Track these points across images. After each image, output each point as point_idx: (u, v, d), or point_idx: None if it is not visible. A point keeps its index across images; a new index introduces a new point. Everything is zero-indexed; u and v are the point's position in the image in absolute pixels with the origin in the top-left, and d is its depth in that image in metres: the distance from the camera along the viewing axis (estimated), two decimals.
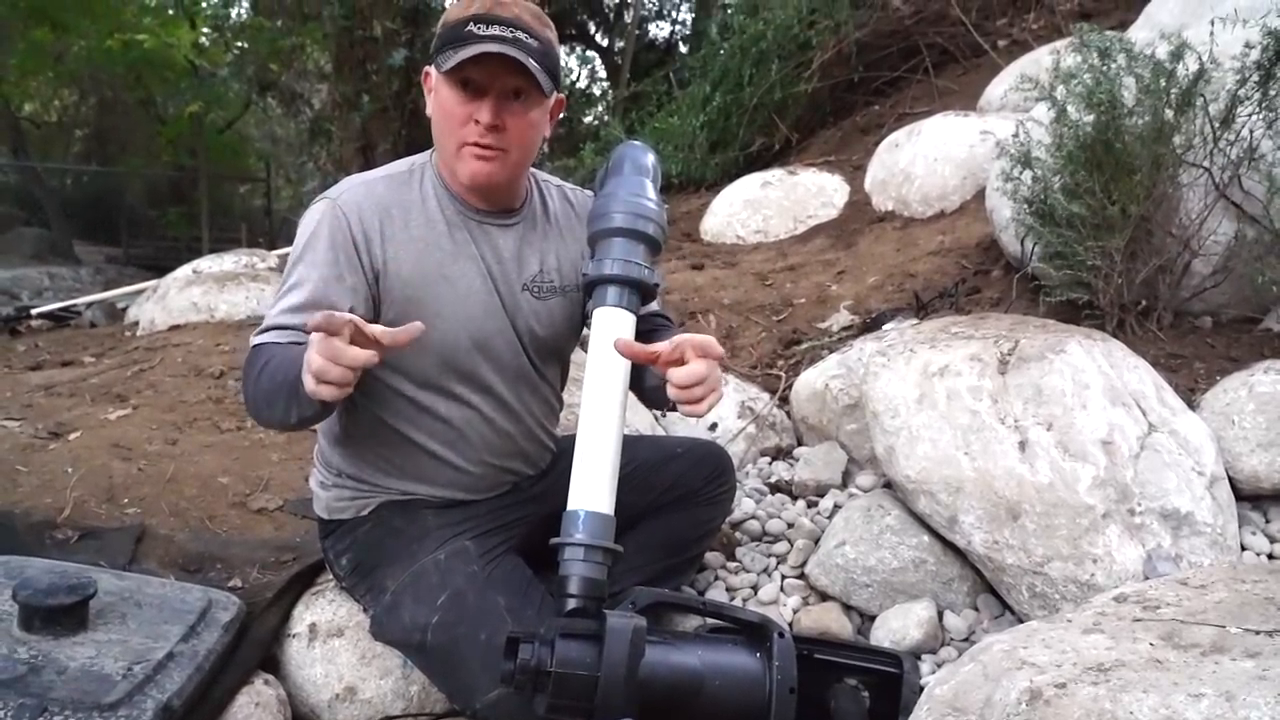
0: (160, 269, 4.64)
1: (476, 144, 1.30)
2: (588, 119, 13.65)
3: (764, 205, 3.85)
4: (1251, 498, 1.67)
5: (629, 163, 1.37)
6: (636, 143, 1.44)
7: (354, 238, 1.30)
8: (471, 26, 1.26)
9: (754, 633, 1.22)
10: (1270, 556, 1.58)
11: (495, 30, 1.25)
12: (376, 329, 1.08)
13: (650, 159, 1.40)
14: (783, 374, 2.40)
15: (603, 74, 14.41)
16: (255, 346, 1.26)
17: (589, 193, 1.52)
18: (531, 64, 1.25)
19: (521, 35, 1.26)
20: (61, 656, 1.22)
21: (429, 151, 1.42)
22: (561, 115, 1.44)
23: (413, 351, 1.30)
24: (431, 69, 1.35)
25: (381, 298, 1.32)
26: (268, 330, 1.28)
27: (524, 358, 1.43)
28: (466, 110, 1.29)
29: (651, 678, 1.12)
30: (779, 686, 1.15)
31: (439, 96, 1.33)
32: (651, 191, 1.35)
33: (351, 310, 1.25)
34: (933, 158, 3.36)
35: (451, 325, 1.34)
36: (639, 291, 1.30)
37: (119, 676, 1.20)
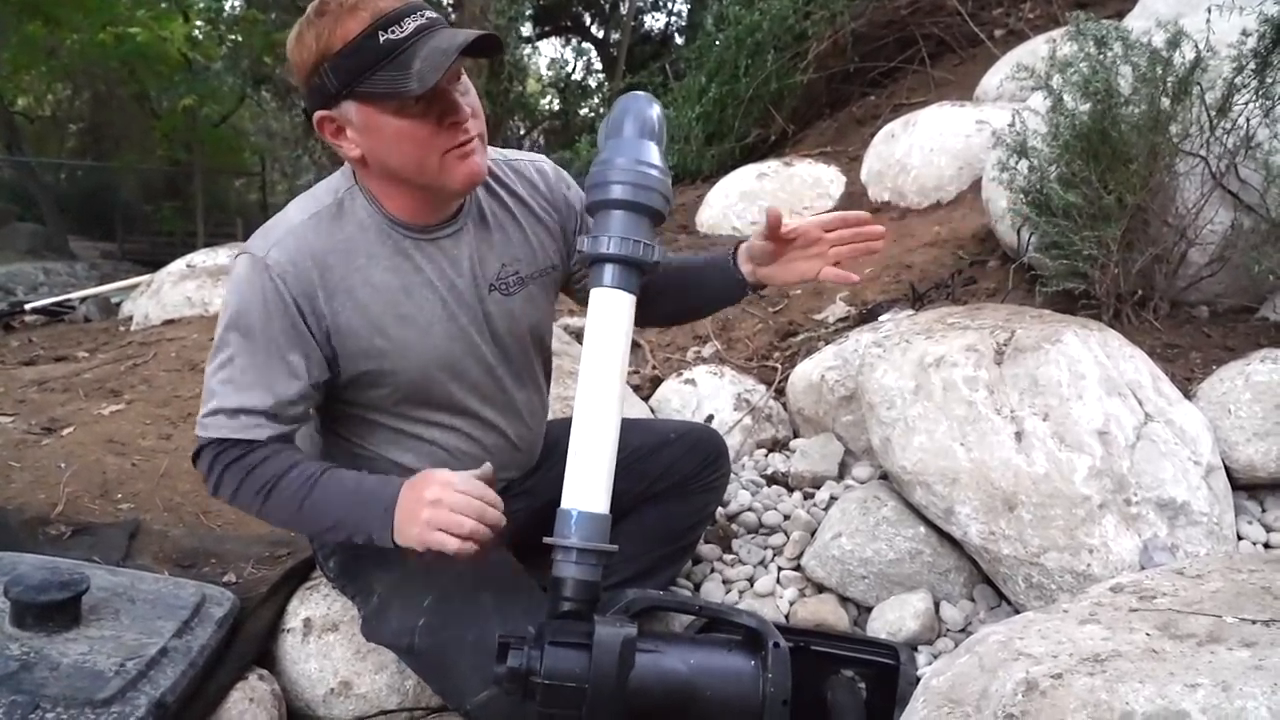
0: (156, 264, 4.63)
1: (459, 145, 1.18)
2: (583, 111, 13.65)
3: (760, 197, 3.83)
4: (1248, 487, 1.67)
5: (630, 121, 1.26)
6: (640, 94, 1.30)
7: (295, 303, 1.19)
8: (384, 36, 1.10)
9: (750, 638, 1.20)
10: (1267, 546, 1.58)
11: (411, 25, 1.11)
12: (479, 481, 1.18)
13: (654, 112, 1.28)
14: (779, 366, 2.40)
15: (598, 66, 14.40)
16: (221, 446, 1.20)
17: (531, 157, 1.44)
18: (466, 34, 1.12)
19: (428, 13, 1.14)
20: (54, 653, 1.22)
21: (345, 172, 1.28)
22: None
23: (384, 390, 1.29)
24: (341, 109, 1.16)
25: (336, 354, 1.24)
26: (217, 423, 1.20)
27: (500, 369, 1.37)
28: (434, 122, 1.15)
29: (641, 688, 1.10)
30: (771, 699, 1.13)
31: (387, 129, 1.15)
32: (654, 155, 1.25)
33: (309, 381, 1.22)
34: (929, 148, 3.35)
35: (418, 361, 1.27)
36: (639, 270, 1.24)
37: (112, 673, 1.20)
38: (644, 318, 1.39)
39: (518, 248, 1.37)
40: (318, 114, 1.18)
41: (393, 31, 1.10)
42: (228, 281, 1.24)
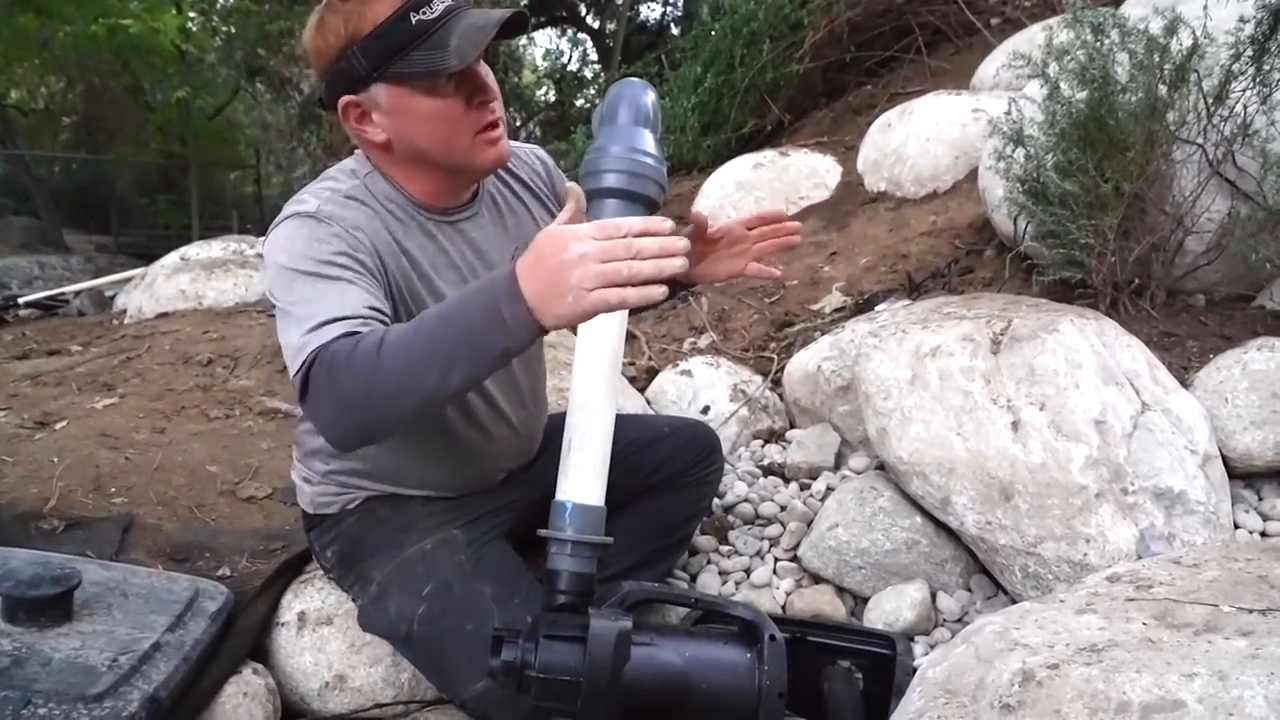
0: (151, 257, 4.60)
1: (487, 126, 1.20)
2: (579, 102, 13.61)
3: (756, 187, 3.82)
4: (1244, 476, 1.67)
5: (625, 108, 1.25)
6: (634, 80, 1.30)
7: (355, 237, 1.14)
8: (416, 17, 1.11)
9: (746, 630, 1.20)
10: (1263, 534, 1.58)
11: (440, 7, 1.13)
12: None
13: (649, 99, 1.26)
14: (775, 356, 2.39)
15: (594, 57, 14.35)
16: (333, 341, 1.01)
17: (527, 146, 1.49)
18: (498, 13, 1.14)
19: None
20: (46, 648, 1.21)
21: (358, 158, 1.27)
22: None
23: None
24: (370, 93, 1.16)
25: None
26: (326, 326, 1.03)
27: None
28: (464, 101, 1.17)
29: (637, 680, 1.10)
30: (767, 691, 1.13)
31: (418, 111, 1.16)
32: (650, 143, 1.23)
33: (381, 293, 1.12)
34: (925, 137, 3.33)
35: None
36: None
37: (104, 668, 1.19)
38: None
39: (528, 231, 1.39)
40: (343, 99, 1.17)
41: (424, 12, 1.12)
42: (271, 248, 1.14)
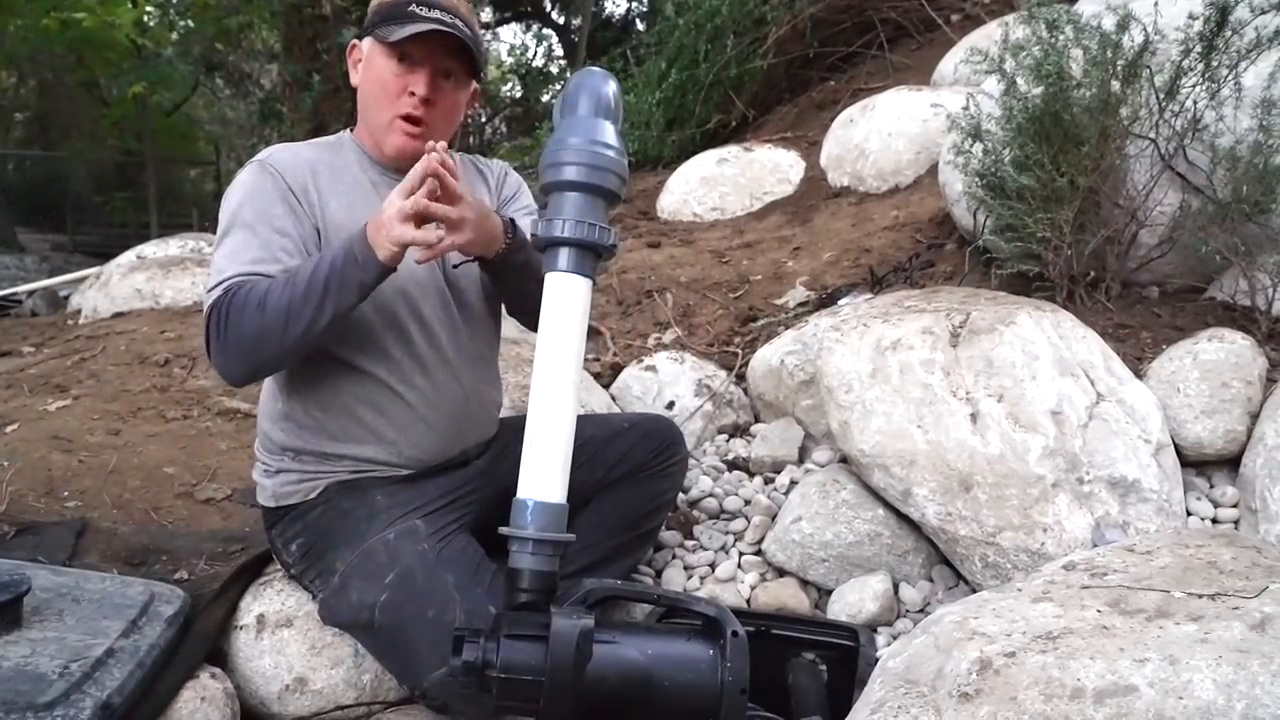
0: (108, 256, 4.48)
1: (408, 116, 1.39)
2: (545, 98, 13.54)
3: (720, 182, 3.83)
4: (1196, 464, 1.70)
5: (585, 99, 1.24)
6: (595, 70, 1.29)
7: (291, 189, 1.37)
8: (414, 7, 1.36)
9: (709, 626, 1.20)
10: (1214, 521, 1.61)
11: (437, 14, 1.36)
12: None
13: (609, 90, 1.25)
14: (739, 351, 2.39)
15: (559, 52, 14.29)
16: (228, 291, 1.27)
17: (501, 163, 1.63)
18: (458, 30, 1.36)
19: (459, 23, 1.38)
20: None
21: (347, 129, 1.51)
22: (475, 105, 1.54)
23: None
24: (362, 42, 1.44)
25: (325, 239, 1.37)
26: (227, 281, 1.28)
27: (456, 312, 1.46)
28: (402, 82, 1.38)
29: (599, 679, 1.10)
30: (729, 687, 1.13)
31: (373, 67, 1.40)
32: (610, 135, 1.22)
33: (302, 246, 1.35)
34: (887, 133, 3.36)
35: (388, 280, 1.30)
36: (595, 254, 1.22)
37: (55, 675, 1.16)
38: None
39: None
40: (352, 40, 1.47)
41: (421, 9, 1.37)
42: (229, 190, 1.39)
